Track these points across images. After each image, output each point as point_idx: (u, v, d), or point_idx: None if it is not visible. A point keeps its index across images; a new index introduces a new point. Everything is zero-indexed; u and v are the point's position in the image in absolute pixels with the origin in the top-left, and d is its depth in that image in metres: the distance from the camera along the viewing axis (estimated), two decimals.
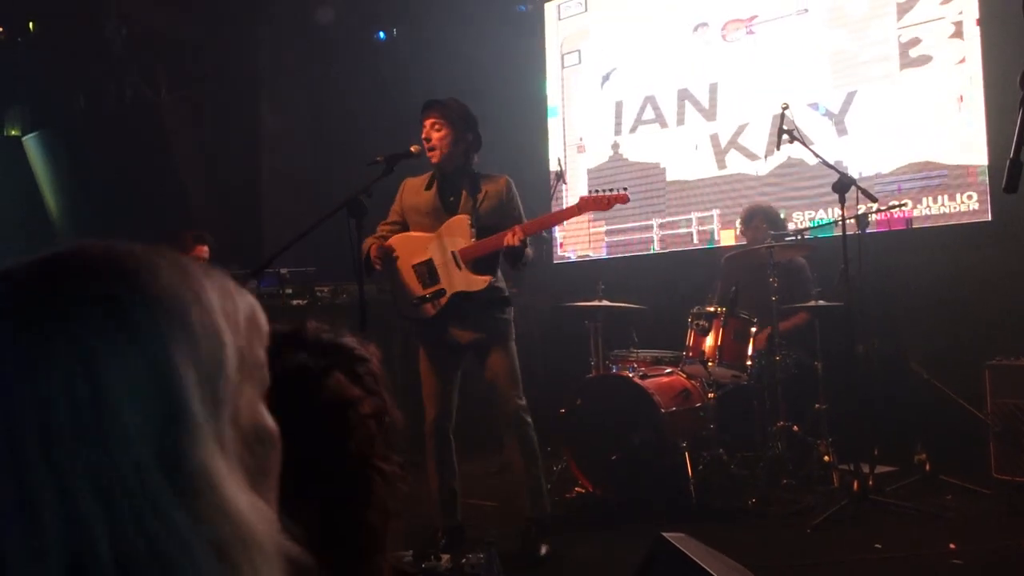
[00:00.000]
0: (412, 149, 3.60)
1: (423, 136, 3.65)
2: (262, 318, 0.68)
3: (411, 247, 3.71)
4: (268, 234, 7.12)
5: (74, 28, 6.98)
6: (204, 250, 5.16)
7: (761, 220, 5.08)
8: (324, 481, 1.06)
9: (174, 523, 0.54)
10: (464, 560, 3.24)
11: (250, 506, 0.59)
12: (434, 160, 3.65)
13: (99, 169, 6.98)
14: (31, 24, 7.07)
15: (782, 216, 5.59)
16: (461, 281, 3.59)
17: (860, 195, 4.16)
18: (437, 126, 3.64)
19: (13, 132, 7.65)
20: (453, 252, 3.61)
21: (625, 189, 3.69)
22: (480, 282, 3.58)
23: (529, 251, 3.62)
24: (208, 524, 0.55)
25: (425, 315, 3.65)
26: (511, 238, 3.46)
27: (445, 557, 3.31)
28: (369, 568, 1.10)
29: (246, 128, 7.33)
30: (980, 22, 4.96)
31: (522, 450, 3.65)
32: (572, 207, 3.75)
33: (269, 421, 0.66)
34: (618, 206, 3.71)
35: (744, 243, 5.23)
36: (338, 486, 1.08)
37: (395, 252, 3.69)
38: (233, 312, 0.64)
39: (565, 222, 6.68)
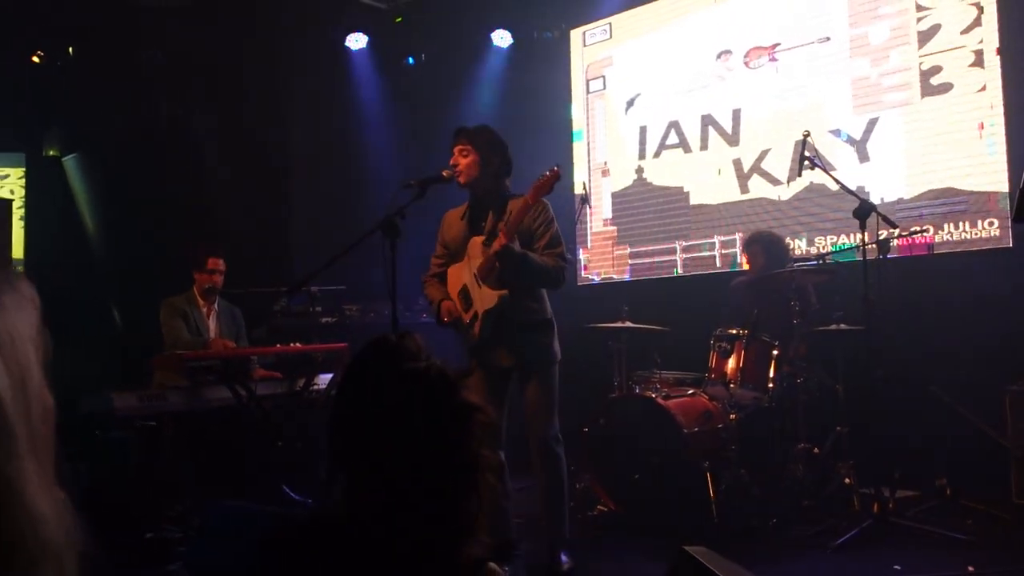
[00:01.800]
0: (444, 173, 3.72)
1: (451, 162, 3.77)
2: (35, 297, 0.69)
3: (454, 279, 3.84)
4: (297, 252, 7.27)
5: (111, 52, 7.19)
6: (219, 262, 5.30)
7: (758, 249, 5.16)
8: (443, 472, 1.25)
9: None
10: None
11: (51, 507, 0.61)
12: (461, 181, 3.76)
13: (135, 188, 7.15)
14: (70, 48, 7.28)
15: (804, 240, 5.66)
16: (484, 299, 3.68)
17: (881, 221, 4.23)
18: (464, 151, 3.75)
19: (52, 152, 7.86)
20: (474, 273, 3.72)
21: (558, 166, 3.65)
22: (494, 296, 3.64)
23: (537, 261, 3.62)
24: (11, 531, 0.58)
25: (474, 340, 3.73)
26: (495, 244, 3.55)
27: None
28: (460, 551, 1.26)
29: (277, 149, 7.50)
30: (1000, 51, 5.03)
31: (550, 478, 3.70)
32: (525, 197, 3.60)
33: (50, 399, 0.66)
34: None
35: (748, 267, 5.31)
36: (453, 478, 1.26)
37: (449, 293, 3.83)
38: (19, 304, 0.65)
39: (591, 242, 6.79)
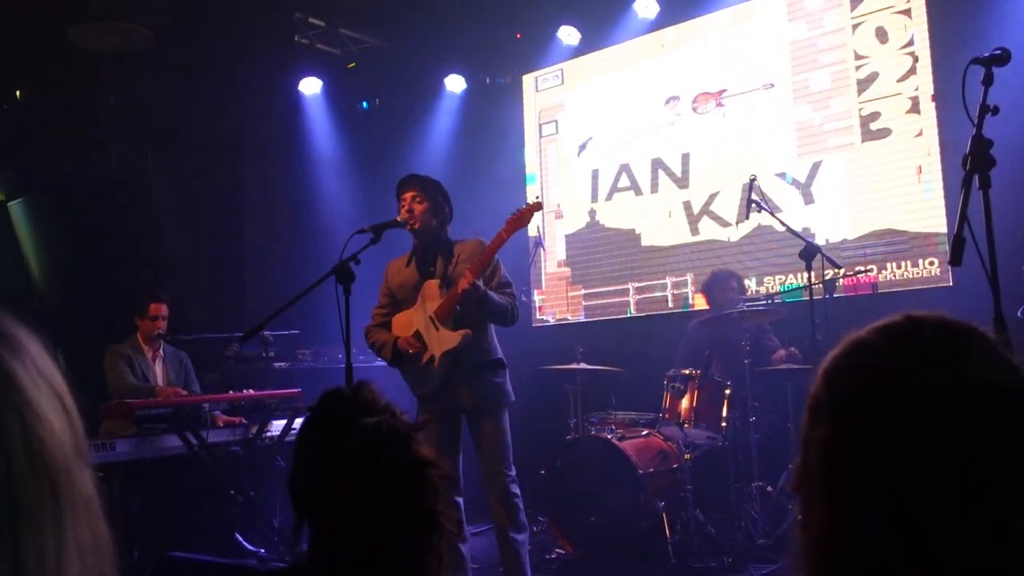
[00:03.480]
0: (398, 218, 3.75)
1: (405, 208, 3.80)
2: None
3: (403, 325, 3.85)
4: (250, 297, 7.20)
5: (60, 96, 7.12)
6: (162, 308, 5.24)
7: (733, 282, 5.26)
8: (401, 529, 1.24)
9: None
10: None
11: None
12: (416, 227, 3.79)
13: (84, 234, 7.06)
14: (17, 92, 7.19)
15: (753, 281, 5.78)
16: (442, 341, 3.70)
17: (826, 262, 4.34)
18: (418, 199, 3.80)
19: None
20: (430, 316, 3.74)
21: (538, 197, 3.84)
22: (455, 337, 3.66)
23: (498, 298, 3.69)
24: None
25: (429, 385, 3.74)
26: (463, 283, 3.57)
27: None
28: None
29: (229, 193, 7.47)
30: (935, 98, 5.23)
31: (508, 521, 3.69)
32: (500, 232, 3.72)
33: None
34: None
35: (708, 307, 5.37)
36: (411, 534, 1.25)
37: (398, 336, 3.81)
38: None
39: (545, 284, 6.85)
